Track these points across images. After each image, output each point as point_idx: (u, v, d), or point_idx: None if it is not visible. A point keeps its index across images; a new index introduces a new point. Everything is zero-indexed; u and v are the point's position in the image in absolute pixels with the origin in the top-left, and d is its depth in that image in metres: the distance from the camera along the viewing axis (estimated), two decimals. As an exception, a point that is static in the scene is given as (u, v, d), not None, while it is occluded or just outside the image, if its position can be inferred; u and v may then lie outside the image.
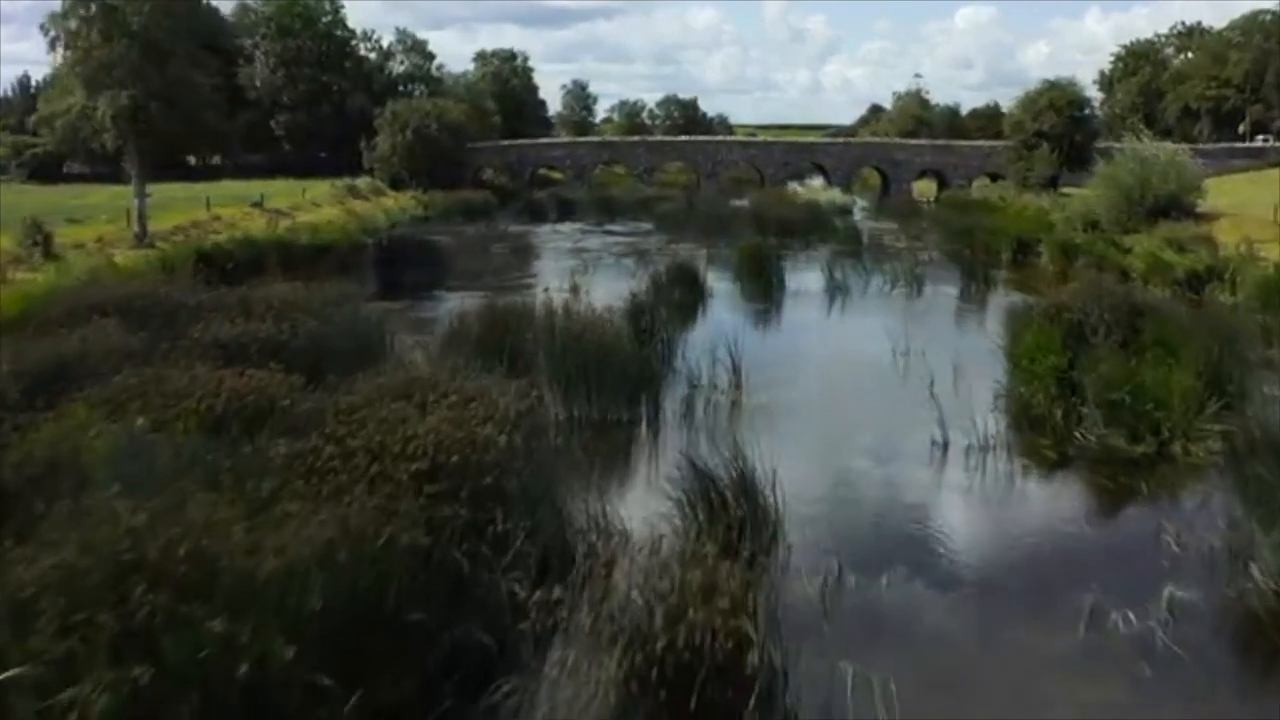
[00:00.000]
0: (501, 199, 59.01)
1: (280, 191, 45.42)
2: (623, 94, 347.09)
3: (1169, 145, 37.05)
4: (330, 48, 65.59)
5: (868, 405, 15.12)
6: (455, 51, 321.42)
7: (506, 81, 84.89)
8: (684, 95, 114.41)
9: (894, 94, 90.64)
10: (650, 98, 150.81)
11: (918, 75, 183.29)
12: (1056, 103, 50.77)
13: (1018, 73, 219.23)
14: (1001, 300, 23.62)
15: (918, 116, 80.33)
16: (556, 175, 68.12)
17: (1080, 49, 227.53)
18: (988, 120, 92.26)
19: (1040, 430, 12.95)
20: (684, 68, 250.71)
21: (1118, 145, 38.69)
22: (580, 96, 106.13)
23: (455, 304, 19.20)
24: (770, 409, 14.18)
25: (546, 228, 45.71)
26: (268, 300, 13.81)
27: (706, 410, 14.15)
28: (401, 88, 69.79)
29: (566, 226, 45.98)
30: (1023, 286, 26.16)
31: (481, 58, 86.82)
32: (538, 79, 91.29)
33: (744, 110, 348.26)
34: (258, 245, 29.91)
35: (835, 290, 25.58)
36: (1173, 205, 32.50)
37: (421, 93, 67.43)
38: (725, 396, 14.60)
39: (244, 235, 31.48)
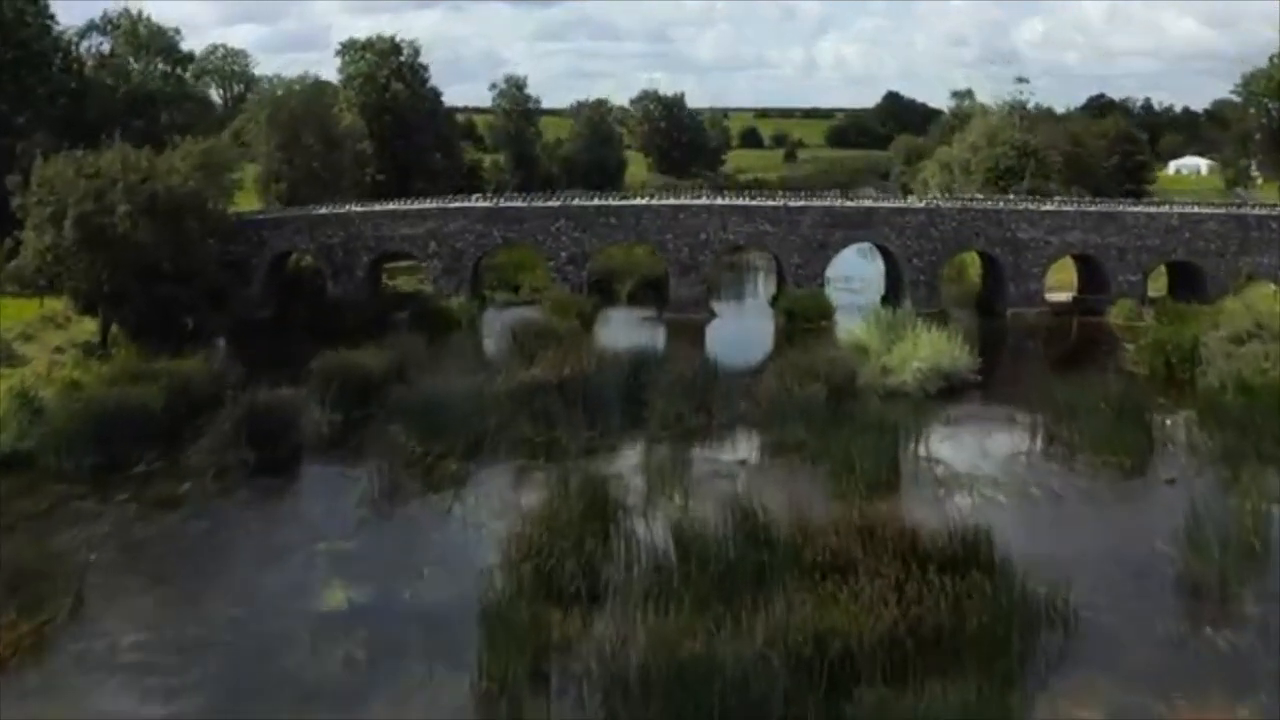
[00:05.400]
0: (314, 329, 31.64)
1: None
2: (615, 73, 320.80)
3: None
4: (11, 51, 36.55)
5: None
6: (443, 33, 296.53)
7: (385, 87, 55.53)
8: (673, 77, 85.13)
9: (952, 93, 60.97)
10: (621, 97, 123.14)
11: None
12: None
13: (1012, 51, 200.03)
14: None
15: (1020, 148, 49.96)
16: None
17: (1075, 27, 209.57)
18: (1103, 129, 62.70)
19: None
20: (677, 45, 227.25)
21: None
22: (516, 100, 74.70)
23: None
24: None
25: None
26: None
27: None
28: (165, 114, 40.88)
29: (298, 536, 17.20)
30: None
31: (349, 50, 57.21)
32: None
33: (739, 90, 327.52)
34: None
35: None
36: None
37: (177, 121, 38.34)
38: None
39: None
